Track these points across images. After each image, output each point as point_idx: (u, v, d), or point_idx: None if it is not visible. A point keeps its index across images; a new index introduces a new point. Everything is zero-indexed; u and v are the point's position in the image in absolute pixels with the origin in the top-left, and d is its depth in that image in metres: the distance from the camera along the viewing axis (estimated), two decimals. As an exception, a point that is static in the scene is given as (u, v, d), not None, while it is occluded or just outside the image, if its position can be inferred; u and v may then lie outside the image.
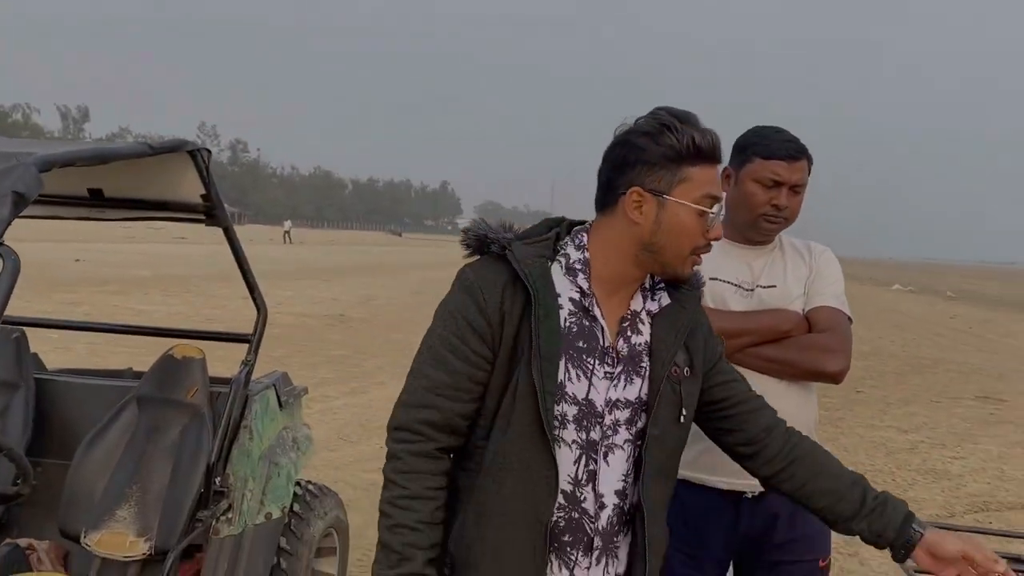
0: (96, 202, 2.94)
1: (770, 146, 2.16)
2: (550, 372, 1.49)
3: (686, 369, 1.60)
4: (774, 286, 2.22)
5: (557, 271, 1.56)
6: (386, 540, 1.51)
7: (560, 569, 1.56)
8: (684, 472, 2.23)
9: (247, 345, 3.03)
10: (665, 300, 1.61)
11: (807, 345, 2.14)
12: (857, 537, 1.65)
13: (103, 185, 2.93)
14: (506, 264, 1.53)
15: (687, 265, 1.57)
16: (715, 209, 1.54)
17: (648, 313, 1.60)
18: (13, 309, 2.15)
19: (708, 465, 2.15)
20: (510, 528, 1.52)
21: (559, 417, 1.52)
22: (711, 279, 2.20)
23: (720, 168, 1.58)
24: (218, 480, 2.79)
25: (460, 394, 1.53)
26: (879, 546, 1.64)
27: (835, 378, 2.15)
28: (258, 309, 3.09)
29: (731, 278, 2.23)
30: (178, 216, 2.96)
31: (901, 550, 1.61)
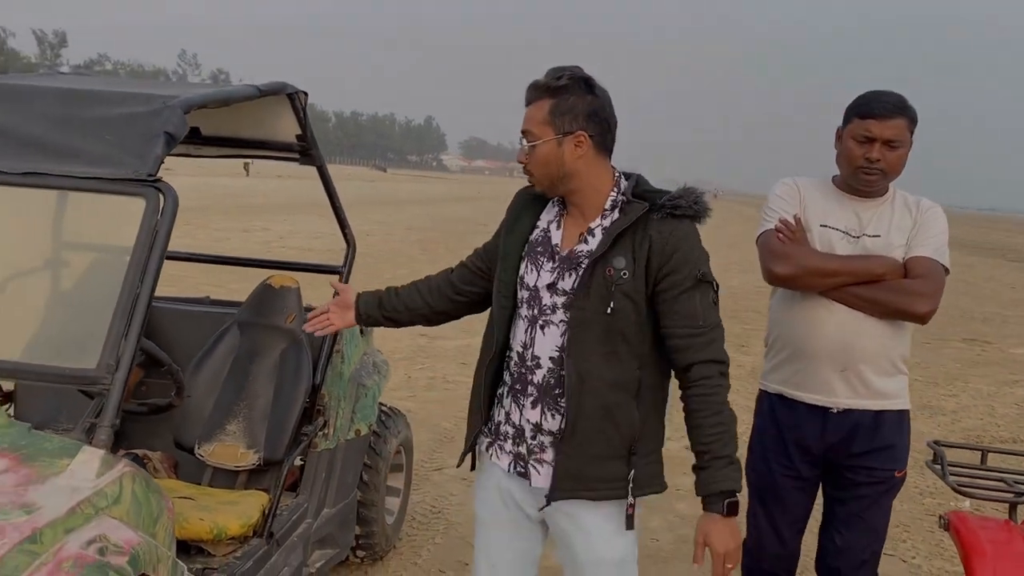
0: (197, 141, 3.12)
1: (867, 106, 2.41)
2: (508, 269, 2.07)
3: (623, 272, 1.92)
4: (878, 235, 2.47)
5: (548, 204, 2.11)
6: None
7: (513, 408, 2.06)
8: (779, 387, 2.57)
9: (337, 275, 3.25)
10: (615, 216, 1.99)
11: (898, 288, 2.40)
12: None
13: (200, 124, 3.11)
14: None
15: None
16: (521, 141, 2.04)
17: (602, 229, 1.99)
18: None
19: (799, 383, 2.49)
20: (478, 370, 2.15)
21: (520, 299, 2.06)
22: (821, 226, 2.49)
23: (529, 109, 1.99)
24: (317, 400, 3.05)
25: (471, 260, 2.29)
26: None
27: (922, 319, 2.42)
28: (348, 243, 3.31)
29: (840, 225, 2.50)
30: (275, 155, 3.14)
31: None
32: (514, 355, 2.06)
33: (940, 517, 2.61)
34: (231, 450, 2.91)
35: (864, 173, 2.44)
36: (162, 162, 2.16)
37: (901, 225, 2.48)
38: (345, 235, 3.31)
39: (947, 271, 2.47)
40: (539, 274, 2.02)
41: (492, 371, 2.11)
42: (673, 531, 4.29)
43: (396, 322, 2.31)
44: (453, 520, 4.24)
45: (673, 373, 2.05)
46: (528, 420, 2.03)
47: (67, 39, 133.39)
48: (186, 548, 2.48)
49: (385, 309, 2.31)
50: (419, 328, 9.63)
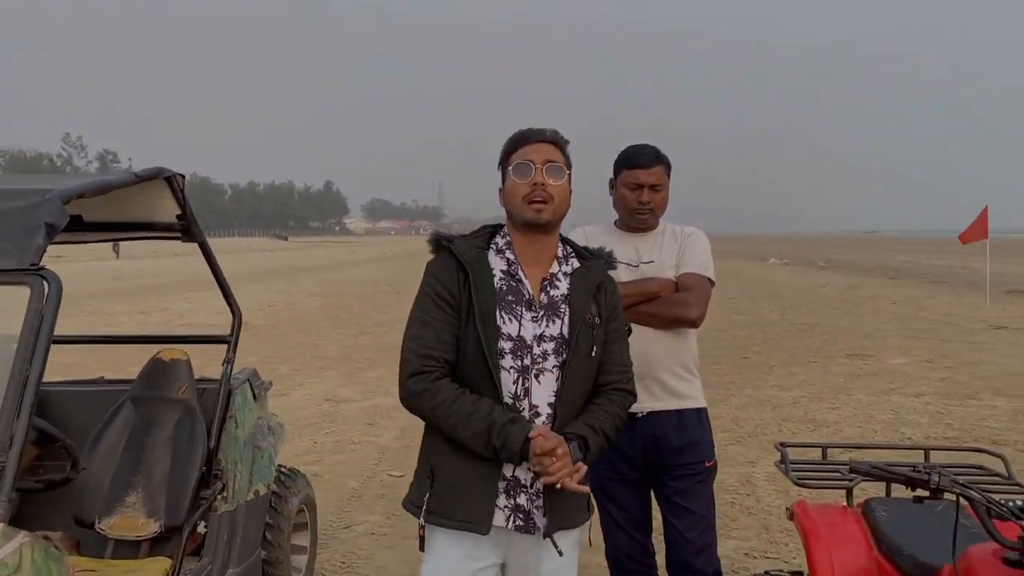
0: (79, 228, 3.25)
1: (634, 158, 2.90)
2: (488, 320, 2.07)
3: (596, 318, 2.17)
4: (652, 261, 2.94)
5: (492, 254, 2.18)
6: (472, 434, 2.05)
7: (508, 466, 2.10)
8: None
9: (225, 345, 3.41)
10: (576, 264, 2.21)
11: (671, 301, 2.87)
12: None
13: (83, 211, 3.25)
14: (452, 256, 2.14)
15: (526, 210, 2.13)
16: (512, 165, 2.15)
17: (564, 274, 2.18)
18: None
19: None
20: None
21: (500, 351, 2.08)
22: None
23: (542, 145, 2.16)
24: (213, 464, 3.18)
25: (442, 340, 2.10)
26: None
27: (694, 323, 2.89)
28: (233, 313, 3.48)
29: (622, 258, 2.91)
30: (157, 235, 3.30)
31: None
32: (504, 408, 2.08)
33: (787, 509, 2.94)
34: (131, 521, 3.01)
35: (638, 214, 2.92)
36: (44, 251, 2.32)
37: (670, 250, 2.95)
38: (230, 306, 3.48)
39: (712, 283, 2.94)
40: (520, 324, 2.10)
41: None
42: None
43: None
44: (362, 574, 4.36)
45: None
46: (530, 469, 2.07)
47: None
48: (90, 618, 2.56)
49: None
50: (325, 393, 9.62)
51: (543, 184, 2.11)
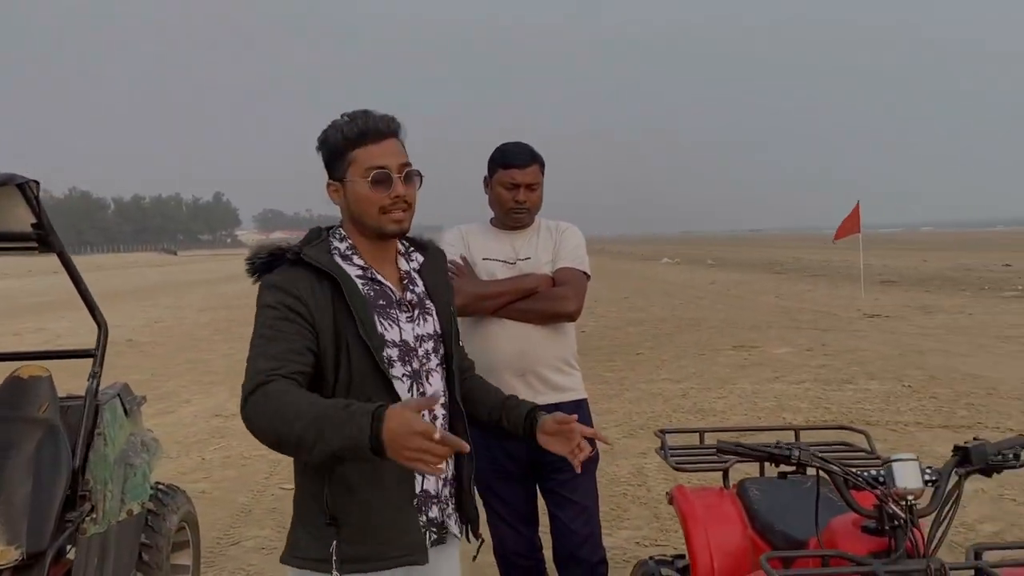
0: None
1: (507, 157, 2.90)
2: (372, 330, 1.88)
3: (452, 307, 2.11)
4: (528, 258, 2.96)
5: (338, 260, 1.95)
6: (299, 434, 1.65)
7: (416, 481, 1.94)
8: None
9: (91, 360, 3.25)
10: (420, 258, 2.11)
11: (548, 296, 2.90)
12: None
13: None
14: (304, 267, 1.88)
15: (385, 223, 1.93)
16: (371, 176, 1.89)
17: (414, 270, 2.08)
18: None
19: None
20: (382, 462, 1.64)
21: (387, 359, 1.90)
22: (484, 259, 2.96)
23: (389, 142, 1.92)
24: (80, 484, 3.01)
25: (297, 351, 1.80)
26: (520, 432, 2.14)
27: (571, 317, 2.92)
28: (99, 325, 3.31)
29: (499, 256, 2.96)
30: (10, 246, 3.11)
31: (531, 431, 2.13)
32: None
33: (667, 493, 3.01)
34: (-10, 550, 2.82)
35: (515, 213, 2.94)
36: None
37: (546, 246, 2.99)
38: (95, 318, 3.32)
39: (588, 276, 2.98)
40: (400, 327, 1.97)
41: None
42: (465, 560, 4.50)
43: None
44: (251, 589, 4.23)
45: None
46: (445, 478, 2.00)
47: None
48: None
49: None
50: (214, 409, 9.33)
51: (403, 195, 1.93)
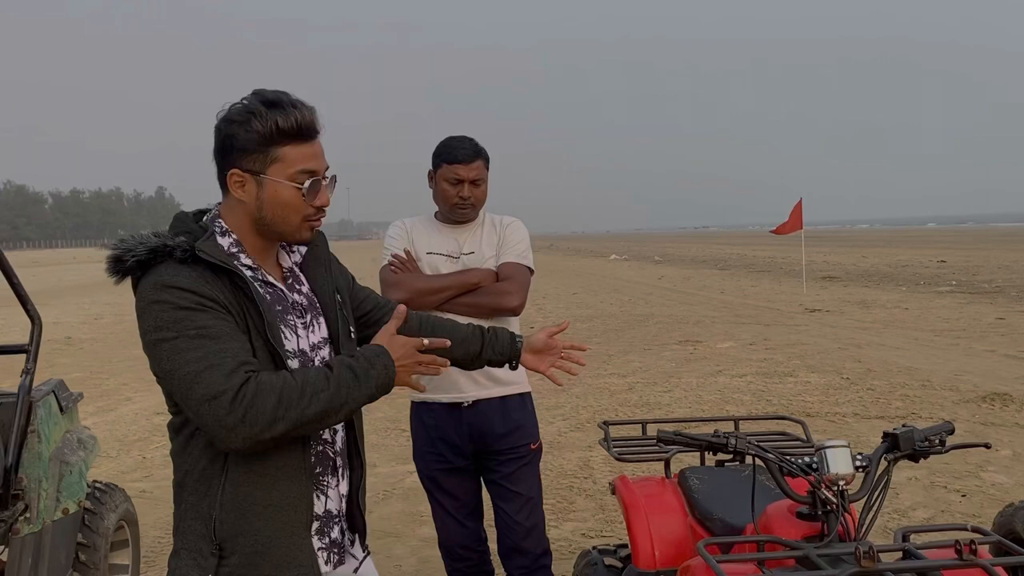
0: None
1: (452, 153, 2.91)
2: (277, 336, 1.67)
3: (337, 296, 1.87)
4: (472, 252, 2.98)
5: (224, 260, 1.64)
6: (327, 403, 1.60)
7: (318, 497, 1.77)
8: (421, 396, 2.92)
9: (24, 355, 3.17)
10: (303, 249, 1.86)
11: (491, 291, 2.91)
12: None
13: None
14: (194, 264, 1.61)
15: (303, 232, 1.74)
16: (306, 184, 1.68)
17: (296, 264, 1.84)
18: None
19: (433, 388, 2.87)
20: (277, 484, 1.65)
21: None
22: (428, 253, 2.96)
23: (316, 143, 1.70)
24: (13, 483, 2.94)
25: (245, 348, 1.61)
26: (503, 362, 2.20)
27: (514, 311, 2.94)
28: (32, 320, 3.23)
29: (443, 250, 2.96)
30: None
31: (516, 358, 2.21)
32: (309, 439, 1.73)
33: (609, 484, 3.05)
34: (-84, 552, 2.73)
35: (459, 208, 2.95)
36: None
37: (490, 241, 3.00)
38: (28, 312, 3.23)
39: (532, 271, 3.01)
40: (297, 335, 1.75)
41: (305, 470, 1.71)
42: (416, 554, 4.50)
43: None
44: (194, 588, 4.16)
45: None
46: (341, 494, 1.84)
47: None
48: None
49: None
50: (155, 407, 9.14)
51: (326, 204, 1.77)
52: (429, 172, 2.99)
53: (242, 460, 1.64)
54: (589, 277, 29.48)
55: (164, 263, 1.61)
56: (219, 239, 1.72)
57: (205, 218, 1.76)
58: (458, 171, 2.89)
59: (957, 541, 1.76)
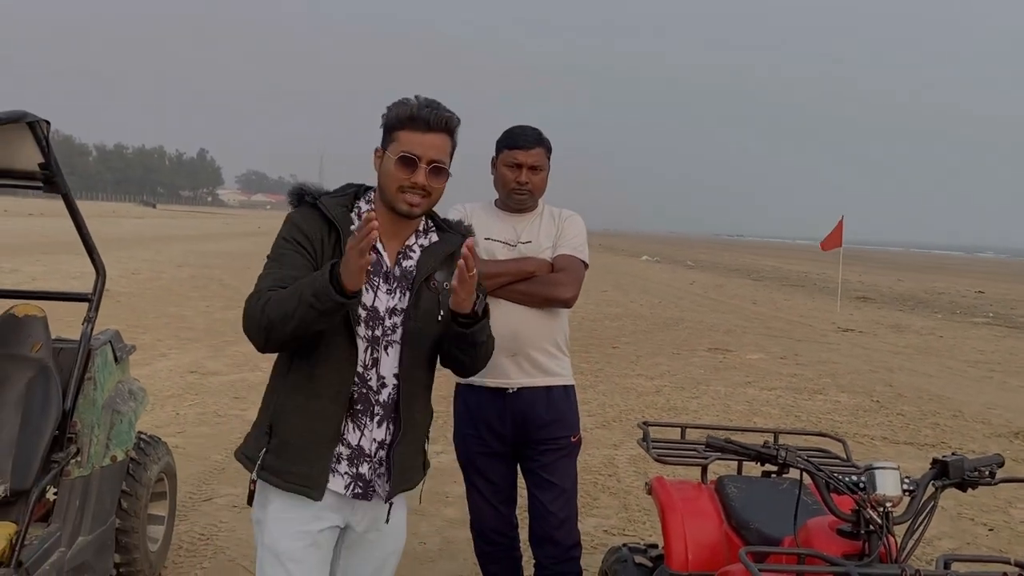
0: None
1: (514, 139, 2.95)
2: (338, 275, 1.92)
3: (445, 284, 2.11)
4: (529, 242, 3.01)
5: (353, 218, 2.14)
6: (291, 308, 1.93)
7: (353, 430, 2.12)
8: (466, 380, 2.96)
9: (87, 304, 3.25)
10: (434, 238, 2.21)
11: (546, 281, 2.95)
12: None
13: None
14: (319, 211, 2.11)
15: (400, 202, 2.08)
16: (400, 157, 2.03)
17: (420, 247, 2.18)
18: None
19: (482, 372, 2.86)
20: (317, 399, 2.07)
21: (356, 319, 2.07)
22: (485, 239, 2.98)
23: (435, 137, 2.05)
24: (68, 427, 3.03)
25: (296, 278, 2.00)
26: (458, 321, 2.08)
27: (566, 303, 2.98)
28: (97, 271, 3.32)
29: (500, 237, 3.00)
30: (16, 183, 3.11)
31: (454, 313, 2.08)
32: (355, 377, 2.09)
33: (646, 483, 3.08)
34: (-26, 484, 2.83)
35: (516, 193, 2.98)
36: None
37: (548, 232, 3.03)
38: (94, 263, 3.32)
39: (586, 265, 3.04)
40: (376, 295, 2.09)
41: (342, 398, 2.09)
42: (440, 534, 4.57)
43: None
44: (222, 546, 4.26)
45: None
46: (374, 439, 2.13)
47: None
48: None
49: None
50: (190, 365, 9.29)
51: (424, 185, 2.06)
52: (492, 159, 3.03)
53: (300, 375, 2.09)
54: (620, 276, 29.41)
55: (305, 205, 2.14)
56: (361, 203, 2.18)
57: (368, 189, 2.21)
58: (517, 156, 2.93)
59: (1004, 574, 1.77)
